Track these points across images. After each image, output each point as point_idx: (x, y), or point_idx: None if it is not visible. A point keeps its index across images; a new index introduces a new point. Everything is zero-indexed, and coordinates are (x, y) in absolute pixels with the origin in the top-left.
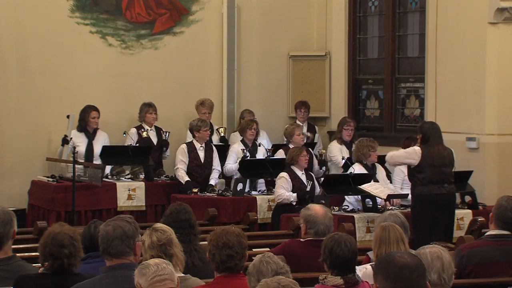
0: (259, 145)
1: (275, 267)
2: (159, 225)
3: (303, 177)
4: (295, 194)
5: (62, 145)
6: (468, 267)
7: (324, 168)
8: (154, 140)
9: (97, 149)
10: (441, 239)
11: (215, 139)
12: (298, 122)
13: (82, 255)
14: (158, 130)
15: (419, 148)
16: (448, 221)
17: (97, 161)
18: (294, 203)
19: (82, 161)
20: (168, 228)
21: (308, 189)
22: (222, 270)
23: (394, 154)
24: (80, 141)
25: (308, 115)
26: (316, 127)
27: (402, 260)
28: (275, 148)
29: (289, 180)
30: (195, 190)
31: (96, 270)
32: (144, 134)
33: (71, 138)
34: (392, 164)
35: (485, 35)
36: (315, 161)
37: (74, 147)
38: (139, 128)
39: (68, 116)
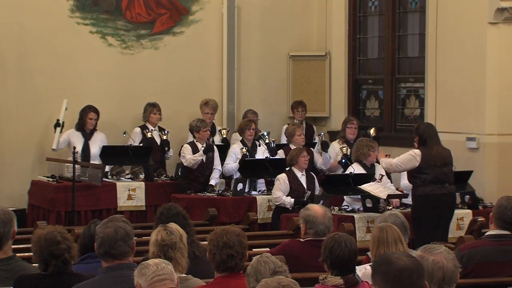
0: (259, 145)
1: (273, 267)
2: (172, 225)
3: (303, 179)
4: (292, 201)
5: (55, 130)
6: (468, 267)
7: (328, 153)
8: (158, 140)
9: (93, 149)
10: (441, 239)
11: (217, 140)
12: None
13: (76, 247)
14: (162, 131)
15: (418, 150)
16: (447, 222)
17: (94, 161)
18: (290, 208)
19: (79, 160)
20: (180, 231)
21: (305, 198)
22: (223, 270)
23: (392, 162)
24: (76, 140)
25: (305, 114)
26: (314, 127)
27: (400, 262)
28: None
29: (287, 182)
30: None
31: (95, 270)
32: (149, 134)
33: (63, 122)
34: (392, 172)
35: (485, 35)
36: (316, 156)
37: (74, 147)
38: (143, 128)
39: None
